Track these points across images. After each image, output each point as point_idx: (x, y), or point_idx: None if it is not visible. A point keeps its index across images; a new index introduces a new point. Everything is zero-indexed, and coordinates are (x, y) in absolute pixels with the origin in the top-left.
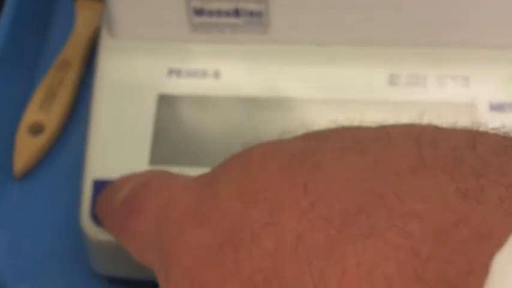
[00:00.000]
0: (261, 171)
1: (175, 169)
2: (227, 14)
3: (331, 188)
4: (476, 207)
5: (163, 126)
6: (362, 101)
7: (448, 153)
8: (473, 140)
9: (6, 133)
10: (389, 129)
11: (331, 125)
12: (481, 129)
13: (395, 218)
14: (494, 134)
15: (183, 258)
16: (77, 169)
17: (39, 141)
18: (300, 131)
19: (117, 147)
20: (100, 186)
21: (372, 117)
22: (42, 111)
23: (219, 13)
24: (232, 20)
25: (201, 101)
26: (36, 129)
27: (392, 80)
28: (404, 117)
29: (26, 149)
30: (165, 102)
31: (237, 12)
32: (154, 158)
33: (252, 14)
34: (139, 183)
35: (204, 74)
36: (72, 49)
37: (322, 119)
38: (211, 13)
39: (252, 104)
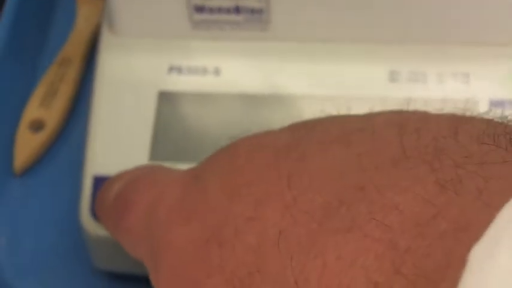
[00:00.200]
0: (248, 163)
1: (175, 166)
2: (228, 11)
3: (314, 181)
4: (455, 199)
5: (164, 123)
6: (362, 97)
7: (430, 142)
8: (455, 127)
9: (7, 129)
10: (375, 118)
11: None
12: (467, 114)
13: (375, 211)
14: (479, 119)
15: (170, 255)
16: (78, 165)
17: (40, 138)
18: None
19: (118, 144)
20: (100, 182)
21: None
22: (43, 108)
23: (219, 10)
24: (233, 17)
25: (202, 98)
26: (37, 126)
27: (393, 77)
28: None
29: (26, 145)
30: (166, 98)
31: (237, 9)
32: (154, 155)
33: (252, 11)
34: (132, 179)
35: (204, 70)
36: (73, 46)
37: (323, 115)
38: (211, 10)
39: (252, 100)
